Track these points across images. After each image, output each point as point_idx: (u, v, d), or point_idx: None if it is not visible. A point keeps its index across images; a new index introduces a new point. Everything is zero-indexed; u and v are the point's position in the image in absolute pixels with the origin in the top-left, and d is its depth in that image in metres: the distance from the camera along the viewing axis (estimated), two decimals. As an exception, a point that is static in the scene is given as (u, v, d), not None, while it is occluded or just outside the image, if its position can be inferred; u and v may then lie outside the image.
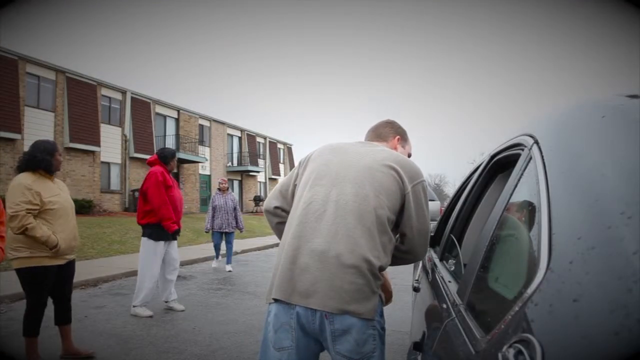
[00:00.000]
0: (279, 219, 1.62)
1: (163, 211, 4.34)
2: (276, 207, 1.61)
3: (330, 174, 1.48)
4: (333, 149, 1.58)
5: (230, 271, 7.42)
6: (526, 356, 0.52)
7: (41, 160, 2.95)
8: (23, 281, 2.92)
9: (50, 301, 3.09)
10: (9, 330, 3.94)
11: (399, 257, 1.54)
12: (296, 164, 1.63)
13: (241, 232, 8.07)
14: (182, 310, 4.67)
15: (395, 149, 1.76)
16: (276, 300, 1.40)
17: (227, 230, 7.57)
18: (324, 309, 1.32)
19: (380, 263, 1.37)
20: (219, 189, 7.69)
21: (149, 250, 4.40)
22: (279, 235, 1.59)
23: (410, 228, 1.49)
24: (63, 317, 3.18)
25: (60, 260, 2.98)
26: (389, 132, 1.81)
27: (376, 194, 1.42)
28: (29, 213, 2.76)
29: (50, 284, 2.99)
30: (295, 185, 1.59)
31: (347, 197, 1.42)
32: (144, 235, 4.47)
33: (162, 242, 4.46)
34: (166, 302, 4.74)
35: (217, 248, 7.76)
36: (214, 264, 7.86)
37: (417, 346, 1.41)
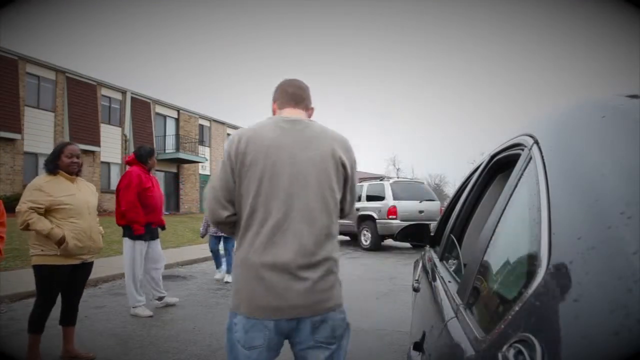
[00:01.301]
0: (231, 225, 1.55)
1: (130, 214, 4.33)
2: (228, 217, 1.51)
3: (283, 181, 1.45)
4: (273, 146, 1.47)
5: (228, 282, 6.35)
6: (526, 356, 0.52)
7: (48, 162, 3.04)
8: (36, 278, 2.97)
9: (58, 300, 3.10)
10: (9, 330, 3.94)
11: None
12: (226, 156, 1.50)
13: None
14: (174, 304, 4.74)
15: (310, 117, 1.70)
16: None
17: (225, 234, 6.98)
18: (310, 314, 1.42)
19: (336, 254, 1.50)
20: None
21: (129, 250, 4.43)
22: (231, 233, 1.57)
23: (349, 203, 1.64)
24: (68, 318, 3.19)
25: (74, 260, 2.99)
26: (308, 100, 1.70)
27: (331, 193, 1.50)
28: (32, 210, 2.84)
29: (61, 284, 3.00)
30: (235, 186, 1.49)
31: (305, 204, 1.45)
32: (123, 235, 4.48)
33: (141, 242, 4.47)
34: (158, 300, 4.76)
35: (215, 254, 6.68)
36: (217, 275, 6.71)
37: (417, 346, 1.42)
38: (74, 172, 3.06)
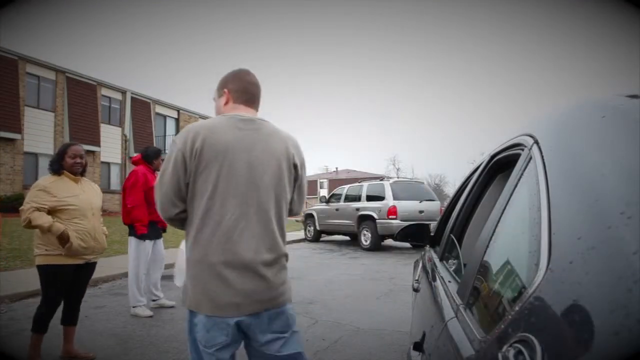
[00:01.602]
0: (182, 221, 1.56)
1: (135, 213, 4.37)
2: (177, 214, 1.52)
3: (238, 181, 1.48)
4: (229, 146, 1.48)
5: None
6: (526, 356, 0.52)
7: (52, 163, 3.07)
8: (40, 277, 2.98)
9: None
10: (9, 330, 3.94)
11: None
12: (179, 155, 1.48)
13: None
14: (172, 306, 4.70)
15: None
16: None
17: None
18: (268, 308, 1.50)
19: (287, 250, 1.62)
20: None
21: (134, 250, 4.45)
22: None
23: (297, 203, 1.72)
24: (70, 318, 3.20)
25: (77, 260, 2.99)
26: (260, 99, 1.72)
27: (283, 193, 1.58)
28: (35, 209, 2.85)
29: (65, 283, 3.01)
30: (186, 184, 1.49)
31: (260, 203, 1.51)
32: (129, 234, 4.52)
33: (146, 241, 4.49)
34: (153, 300, 4.73)
35: None
36: None
37: (417, 346, 1.42)
38: (77, 172, 3.07)
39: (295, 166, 1.62)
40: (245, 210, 1.47)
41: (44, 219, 2.83)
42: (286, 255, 1.60)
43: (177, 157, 1.48)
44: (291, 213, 1.71)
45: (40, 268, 2.95)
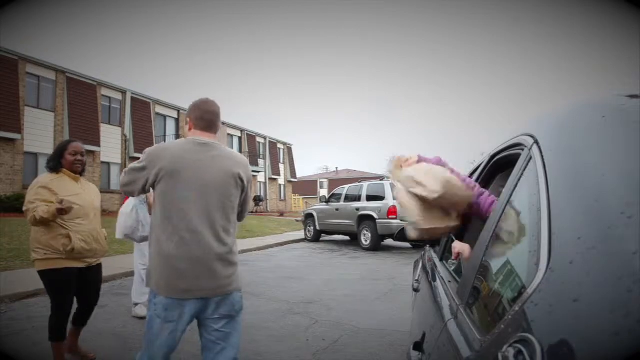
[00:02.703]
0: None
1: None
2: (130, 191, 1.96)
3: (192, 192, 1.85)
4: (186, 163, 1.86)
5: None
6: (526, 356, 0.52)
7: (50, 160, 2.92)
8: (44, 284, 2.85)
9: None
10: (9, 330, 3.94)
11: None
12: (142, 168, 1.90)
13: None
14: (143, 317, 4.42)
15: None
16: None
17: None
18: (215, 295, 1.87)
19: (235, 247, 1.97)
20: None
21: (138, 248, 4.45)
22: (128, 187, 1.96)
23: (244, 211, 2.10)
24: (81, 320, 3.13)
25: (79, 263, 2.86)
26: (219, 123, 2.10)
27: (229, 202, 1.94)
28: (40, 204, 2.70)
29: (71, 287, 2.88)
30: (146, 181, 1.88)
31: (209, 210, 1.87)
32: None
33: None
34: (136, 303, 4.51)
35: None
36: None
37: (417, 346, 1.42)
38: (78, 171, 2.94)
39: (241, 179, 1.99)
40: (196, 215, 1.84)
41: (44, 208, 2.66)
42: (233, 252, 1.95)
43: (142, 169, 1.89)
44: (240, 217, 2.09)
45: (42, 274, 2.80)
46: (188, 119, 2.05)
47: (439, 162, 1.71)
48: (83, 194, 2.92)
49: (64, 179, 2.89)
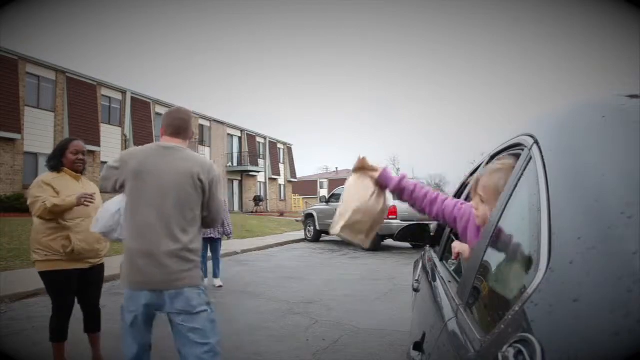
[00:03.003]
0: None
1: None
2: (104, 186, 2.15)
3: (151, 192, 1.99)
4: (148, 166, 2.02)
5: (220, 286, 6.17)
6: (526, 356, 0.52)
7: (51, 159, 2.88)
8: (45, 285, 2.83)
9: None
10: (9, 330, 3.94)
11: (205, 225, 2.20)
12: (112, 169, 2.09)
13: (228, 238, 6.84)
14: None
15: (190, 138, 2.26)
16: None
17: (212, 235, 6.21)
18: (166, 288, 1.97)
19: (193, 246, 2.05)
20: None
21: None
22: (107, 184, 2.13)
23: (211, 212, 2.15)
24: (90, 324, 3.08)
25: (82, 264, 2.83)
26: (189, 129, 2.24)
27: (187, 203, 2.03)
28: (46, 198, 2.67)
29: (71, 289, 2.86)
30: (116, 181, 2.07)
31: (165, 209, 1.98)
32: None
33: None
34: None
35: (202, 259, 5.86)
36: (205, 281, 6.07)
37: (417, 346, 1.42)
38: (79, 170, 2.90)
39: (202, 181, 2.07)
40: (152, 213, 1.97)
41: (56, 199, 2.64)
42: (189, 250, 2.03)
43: (115, 169, 2.07)
44: (205, 222, 2.16)
45: (43, 275, 2.79)
46: (162, 126, 2.21)
47: (399, 183, 1.71)
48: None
49: (65, 178, 2.86)
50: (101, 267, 3.07)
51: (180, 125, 2.18)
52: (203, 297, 2.07)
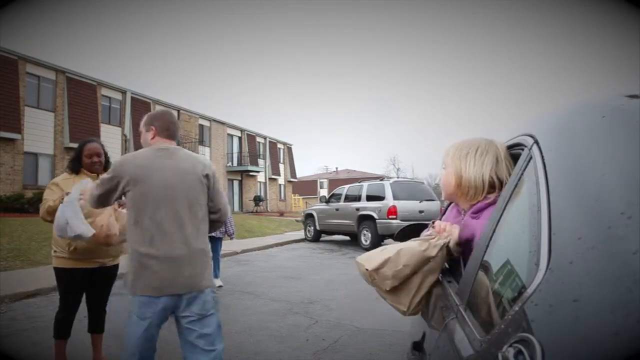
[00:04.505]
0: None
1: None
2: (104, 202, 2.09)
3: (158, 194, 1.95)
4: (150, 169, 1.98)
5: (220, 286, 6.03)
6: (526, 356, 0.52)
7: (70, 162, 2.94)
8: (56, 280, 2.90)
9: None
10: (9, 330, 3.94)
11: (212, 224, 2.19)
12: (112, 177, 2.01)
13: (231, 239, 6.82)
14: None
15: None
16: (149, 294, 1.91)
17: (213, 234, 5.88)
18: (185, 292, 1.94)
19: (206, 246, 2.07)
20: None
21: None
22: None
23: (217, 204, 2.15)
24: (93, 325, 3.08)
25: (89, 263, 2.82)
26: (178, 132, 2.25)
27: (196, 201, 2.03)
28: (53, 200, 2.72)
29: (76, 288, 2.88)
30: (115, 198, 2.04)
31: (175, 210, 1.96)
32: None
33: None
34: None
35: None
36: (216, 282, 5.94)
37: (417, 346, 1.42)
38: (97, 172, 2.92)
39: (206, 176, 2.08)
40: (164, 216, 1.94)
41: (54, 195, 2.71)
42: (203, 251, 2.03)
43: (110, 180, 2.00)
44: (215, 215, 2.16)
45: (54, 270, 2.85)
46: (152, 128, 2.15)
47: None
48: None
49: (80, 179, 2.85)
50: (111, 268, 3.02)
51: (175, 130, 2.20)
52: (214, 298, 2.06)
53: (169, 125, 2.16)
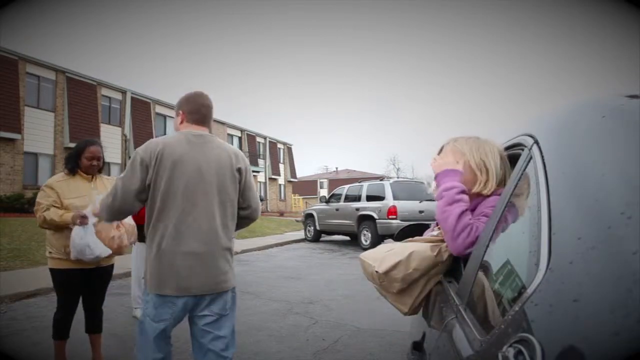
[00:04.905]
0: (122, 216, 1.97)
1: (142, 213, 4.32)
2: (131, 211, 1.88)
3: (189, 184, 1.78)
4: (183, 157, 1.79)
5: None
6: (526, 356, 0.52)
7: (67, 161, 2.92)
8: (52, 281, 2.89)
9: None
10: (10, 330, 3.94)
11: (241, 221, 2.03)
12: (141, 163, 1.79)
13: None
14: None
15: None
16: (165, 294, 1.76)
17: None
18: (209, 292, 1.80)
19: (232, 244, 1.92)
20: None
21: (138, 252, 4.40)
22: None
23: (248, 198, 2.00)
24: (91, 325, 3.08)
25: (85, 264, 2.82)
26: (212, 118, 2.04)
27: (227, 195, 1.87)
28: (46, 207, 2.71)
29: (73, 288, 2.88)
30: (147, 186, 1.78)
31: (206, 203, 1.80)
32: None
33: (143, 243, 4.43)
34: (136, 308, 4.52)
35: None
36: None
37: (417, 346, 1.41)
38: (92, 173, 2.92)
39: (239, 170, 1.92)
40: (192, 209, 1.77)
41: (54, 213, 2.69)
42: (229, 249, 1.90)
43: (142, 165, 1.77)
44: (246, 210, 2.00)
45: (50, 271, 2.85)
46: (180, 112, 1.96)
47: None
48: (91, 194, 2.85)
49: (77, 179, 2.87)
50: (107, 268, 3.05)
51: (206, 113, 1.97)
52: (233, 298, 1.94)
53: (199, 108, 1.95)
